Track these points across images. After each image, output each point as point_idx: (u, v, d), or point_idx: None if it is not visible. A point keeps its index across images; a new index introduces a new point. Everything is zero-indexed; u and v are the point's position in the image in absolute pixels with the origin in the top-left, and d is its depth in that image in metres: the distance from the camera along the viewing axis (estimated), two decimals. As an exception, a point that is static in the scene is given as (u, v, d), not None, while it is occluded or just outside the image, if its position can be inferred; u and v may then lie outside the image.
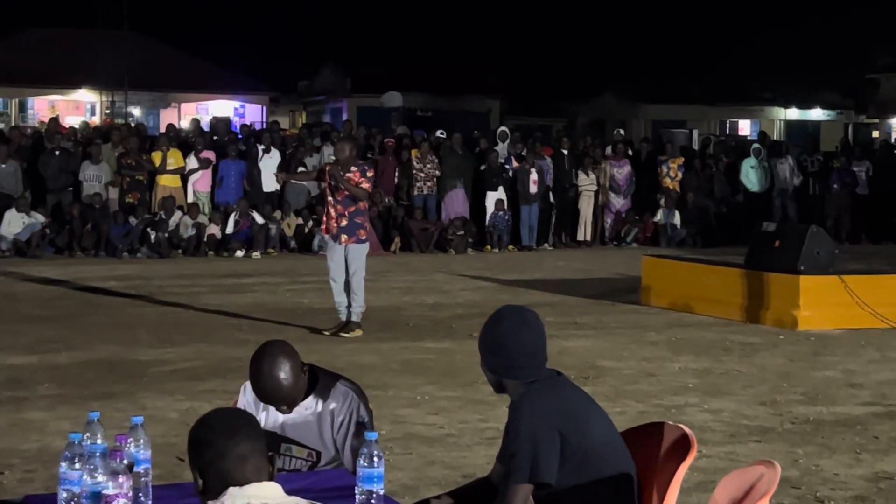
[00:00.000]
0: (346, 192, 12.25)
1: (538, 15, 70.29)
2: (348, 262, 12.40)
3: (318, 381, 4.60)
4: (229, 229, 20.80)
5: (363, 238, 12.42)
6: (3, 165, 20.43)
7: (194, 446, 3.14)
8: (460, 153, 23.05)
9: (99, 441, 3.65)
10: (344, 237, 12.35)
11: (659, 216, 23.65)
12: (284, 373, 4.38)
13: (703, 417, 8.84)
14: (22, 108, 48.38)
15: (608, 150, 24.50)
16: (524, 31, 68.56)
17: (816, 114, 56.79)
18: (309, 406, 4.56)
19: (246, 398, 4.71)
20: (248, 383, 4.59)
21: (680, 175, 23.97)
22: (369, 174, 12.52)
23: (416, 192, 22.58)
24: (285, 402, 4.44)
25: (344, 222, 12.34)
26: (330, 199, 12.44)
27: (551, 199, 23.19)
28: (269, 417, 4.63)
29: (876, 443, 8.12)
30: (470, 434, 8.19)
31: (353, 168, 12.34)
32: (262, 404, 4.59)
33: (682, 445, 4.14)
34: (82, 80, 46.10)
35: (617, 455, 4.05)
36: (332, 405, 4.56)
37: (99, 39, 43.69)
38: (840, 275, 13.27)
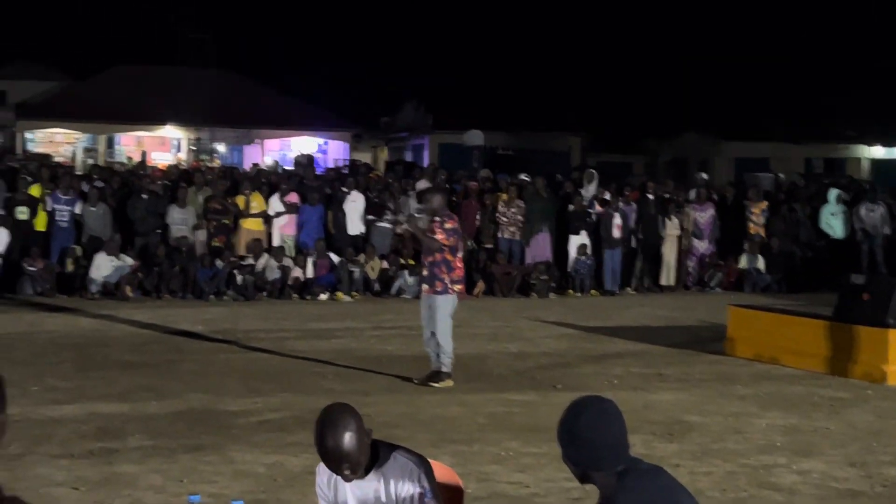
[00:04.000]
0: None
1: (619, 52, 70.15)
2: (430, 312, 12.55)
3: (378, 453, 4.65)
4: (310, 272, 20.97)
5: (440, 289, 12.48)
6: (93, 208, 20.80)
7: None
8: (544, 196, 23.07)
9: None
10: (425, 287, 12.57)
11: (743, 261, 23.47)
12: (348, 434, 4.42)
13: (792, 479, 8.76)
14: (110, 143, 49.16)
15: (691, 193, 24.39)
16: (605, 68, 68.45)
17: (904, 152, 56.00)
18: (371, 480, 4.61)
19: (321, 478, 4.79)
20: (321, 464, 4.65)
21: (763, 219, 23.82)
22: (447, 225, 12.54)
23: (500, 236, 22.63)
24: (349, 463, 4.47)
25: (425, 272, 12.56)
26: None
27: (633, 244, 23.12)
28: (338, 496, 4.70)
29: (970, 511, 8.00)
30: (556, 494, 8.17)
31: (436, 218, 12.50)
32: (333, 481, 4.67)
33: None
34: (168, 116, 46.77)
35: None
36: (394, 478, 4.61)
37: (185, 76, 44.35)
38: (930, 329, 13.10)
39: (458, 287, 12.65)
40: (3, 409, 4.09)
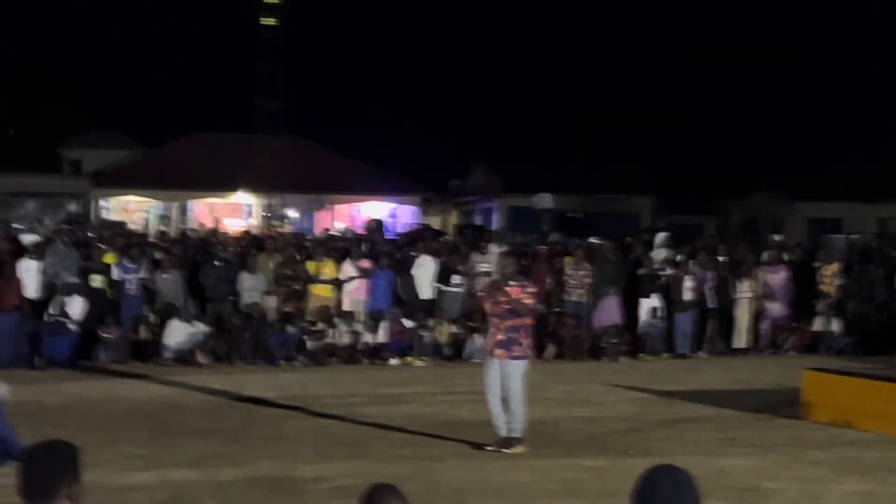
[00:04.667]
0: (505, 307, 12.34)
1: (688, 112, 70.14)
2: (504, 377, 12.43)
3: None
4: (381, 337, 21.04)
5: (518, 354, 12.44)
6: (166, 275, 21.05)
7: None
8: (613, 259, 23.02)
9: None
10: (500, 351, 12.42)
11: (817, 323, 23.21)
12: None
13: (870, 547, 8.62)
14: (183, 210, 49.79)
15: (763, 255, 24.21)
16: (674, 128, 68.44)
17: None
18: None
19: None
20: None
21: (837, 281, 23.57)
22: (530, 289, 12.59)
23: (567, 299, 22.58)
24: None
25: (500, 336, 12.43)
26: (491, 316, 12.57)
27: (707, 304, 22.94)
28: None
29: None
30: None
31: (512, 282, 12.46)
32: None
33: None
34: (240, 183, 47.34)
35: None
36: None
37: (257, 143, 44.91)
38: None
39: (530, 352, 12.65)
40: (78, 477, 4.19)
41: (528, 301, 12.47)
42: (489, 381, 12.50)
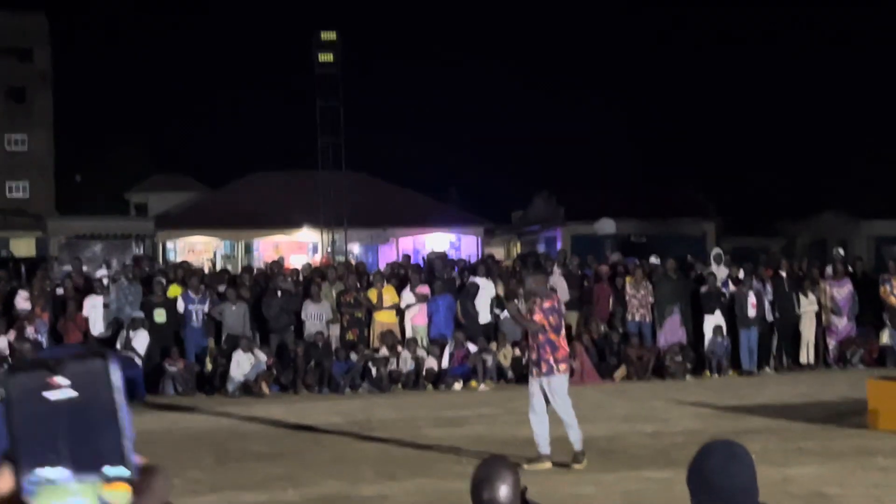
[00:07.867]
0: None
1: (752, 134, 69.74)
2: (546, 393, 12.42)
3: None
4: (445, 363, 21.07)
5: (545, 371, 12.38)
6: (234, 307, 21.24)
7: None
8: (675, 278, 22.93)
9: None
10: (535, 370, 12.47)
11: (884, 337, 22.93)
12: (504, 488, 4.46)
13: (938, 547, 8.51)
14: (248, 249, 50.11)
15: (828, 269, 24.00)
16: (737, 151, 68.08)
17: None
18: None
19: None
20: None
21: (904, 293, 23.30)
22: (545, 305, 12.45)
23: (630, 319, 22.52)
24: None
25: (534, 355, 12.48)
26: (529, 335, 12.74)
27: (770, 320, 22.76)
28: None
29: None
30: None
31: (536, 299, 12.51)
32: None
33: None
34: (304, 219, 47.56)
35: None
36: None
37: (318, 180, 45.07)
38: None
39: (563, 367, 12.56)
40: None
41: (538, 318, 12.39)
42: (531, 400, 12.51)
